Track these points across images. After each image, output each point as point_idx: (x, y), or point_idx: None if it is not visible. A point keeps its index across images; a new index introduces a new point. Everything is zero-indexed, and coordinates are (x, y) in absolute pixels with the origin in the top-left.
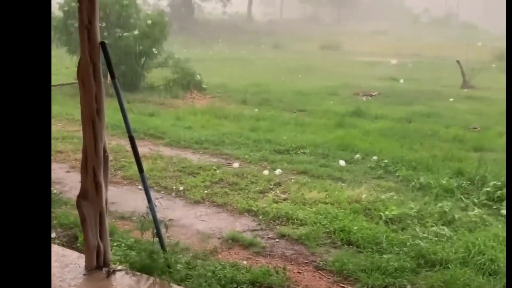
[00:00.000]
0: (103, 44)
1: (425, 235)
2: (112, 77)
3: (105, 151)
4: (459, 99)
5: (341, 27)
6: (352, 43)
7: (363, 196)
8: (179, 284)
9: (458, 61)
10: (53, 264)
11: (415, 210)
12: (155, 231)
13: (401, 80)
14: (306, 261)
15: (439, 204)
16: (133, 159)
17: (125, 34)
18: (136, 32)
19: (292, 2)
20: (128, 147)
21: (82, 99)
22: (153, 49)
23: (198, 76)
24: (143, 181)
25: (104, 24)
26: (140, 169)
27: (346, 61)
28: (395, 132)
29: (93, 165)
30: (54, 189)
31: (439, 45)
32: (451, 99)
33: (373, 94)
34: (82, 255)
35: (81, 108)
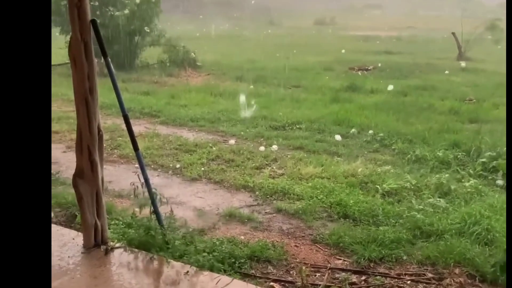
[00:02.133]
0: (93, 22)
1: (421, 207)
2: (104, 55)
3: (99, 130)
4: (454, 71)
5: (336, 2)
6: (347, 18)
7: (359, 170)
8: (177, 260)
9: (453, 33)
10: (51, 243)
11: (411, 182)
12: (152, 208)
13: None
14: (303, 234)
15: (436, 176)
16: (128, 138)
17: (117, 13)
18: (126, 11)
19: None
20: (124, 126)
21: (74, 78)
22: (145, 28)
23: (193, 54)
24: (139, 159)
25: (97, 3)
26: (135, 147)
27: (340, 36)
28: (390, 106)
29: (88, 144)
30: (51, 170)
31: (434, 18)
32: (446, 72)
33: (368, 68)
34: (80, 234)
35: (74, 87)
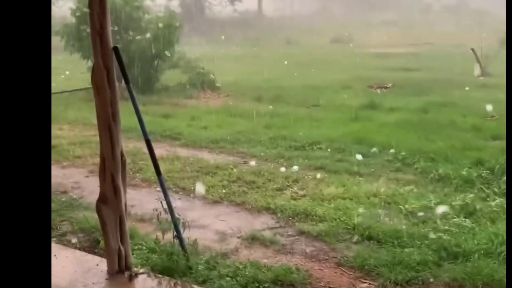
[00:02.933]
0: (115, 49)
1: (446, 227)
2: (126, 81)
3: (122, 155)
4: (474, 87)
5: (352, 19)
6: (363, 35)
7: (382, 190)
8: (200, 286)
9: (472, 49)
10: (75, 269)
11: (435, 202)
12: (174, 233)
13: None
14: (327, 257)
15: (460, 195)
16: (150, 161)
17: (137, 37)
18: (148, 35)
19: None
20: (145, 149)
21: (98, 104)
22: (166, 52)
23: (212, 75)
24: (161, 183)
25: (116, 28)
26: (158, 172)
27: (358, 53)
28: (411, 123)
29: (111, 170)
30: (74, 194)
31: (452, 33)
32: (466, 88)
33: (387, 86)
34: (104, 260)
35: (97, 113)
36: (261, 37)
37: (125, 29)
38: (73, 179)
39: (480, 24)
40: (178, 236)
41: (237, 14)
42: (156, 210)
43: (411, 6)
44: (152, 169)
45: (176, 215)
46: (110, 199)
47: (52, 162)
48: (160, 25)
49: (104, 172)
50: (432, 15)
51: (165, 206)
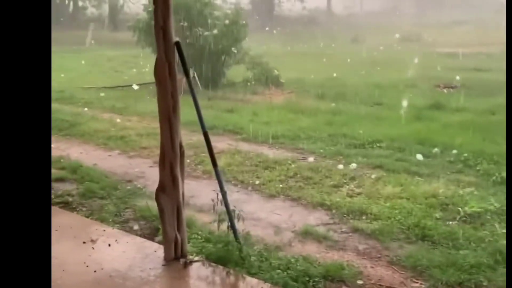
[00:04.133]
0: (177, 43)
1: (504, 231)
2: (187, 75)
3: (181, 146)
4: None
5: (423, 18)
6: (434, 34)
7: (440, 191)
8: (252, 276)
9: None
10: (134, 254)
11: (496, 205)
12: (229, 223)
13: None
14: (379, 255)
15: None
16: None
17: (206, 33)
18: (215, 31)
19: None
20: None
21: (159, 96)
22: (232, 48)
23: (276, 71)
24: (217, 175)
25: (186, 24)
26: (214, 164)
27: (426, 52)
28: (476, 125)
29: (170, 160)
30: (138, 184)
31: None
32: None
33: (454, 86)
34: (161, 247)
35: (158, 105)
36: (328, 34)
37: (194, 25)
38: (138, 168)
39: None
40: (232, 227)
41: (306, 12)
42: (213, 200)
43: (485, 5)
44: None
45: (232, 207)
46: (168, 188)
47: (119, 152)
48: (227, 21)
49: (163, 162)
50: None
51: (221, 197)
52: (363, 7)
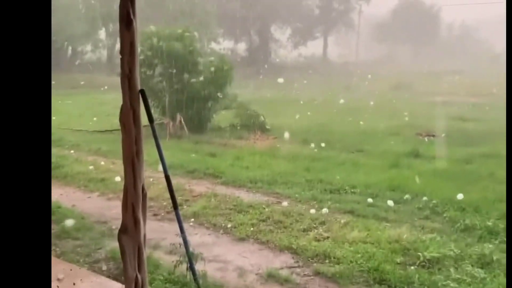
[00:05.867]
0: (142, 91)
1: (458, 276)
2: (151, 121)
3: (143, 189)
4: None
5: (417, 67)
6: (426, 83)
7: (404, 236)
8: None
9: None
10: None
11: (455, 251)
12: (188, 265)
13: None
14: None
15: (480, 246)
16: (191, 198)
17: (192, 80)
18: (201, 78)
19: (369, 43)
20: (188, 185)
21: (123, 141)
22: (218, 94)
23: (262, 117)
24: (178, 217)
25: (174, 71)
26: (175, 206)
27: (415, 101)
28: (450, 173)
29: (132, 202)
30: (113, 225)
31: None
32: None
33: (436, 134)
34: (123, 286)
35: (122, 150)
36: (322, 82)
37: (182, 72)
38: (115, 210)
39: None
40: (192, 268)
41: (302, 59)
42: (173, 244)
43: (480, 55)
44: (190, 204)
45: (191, 249)
46: (130, 229)
47: (98, 194)
48: (212, 68)
49: (126, 204)
50: (500, 65)
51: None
52: (358, 55)
